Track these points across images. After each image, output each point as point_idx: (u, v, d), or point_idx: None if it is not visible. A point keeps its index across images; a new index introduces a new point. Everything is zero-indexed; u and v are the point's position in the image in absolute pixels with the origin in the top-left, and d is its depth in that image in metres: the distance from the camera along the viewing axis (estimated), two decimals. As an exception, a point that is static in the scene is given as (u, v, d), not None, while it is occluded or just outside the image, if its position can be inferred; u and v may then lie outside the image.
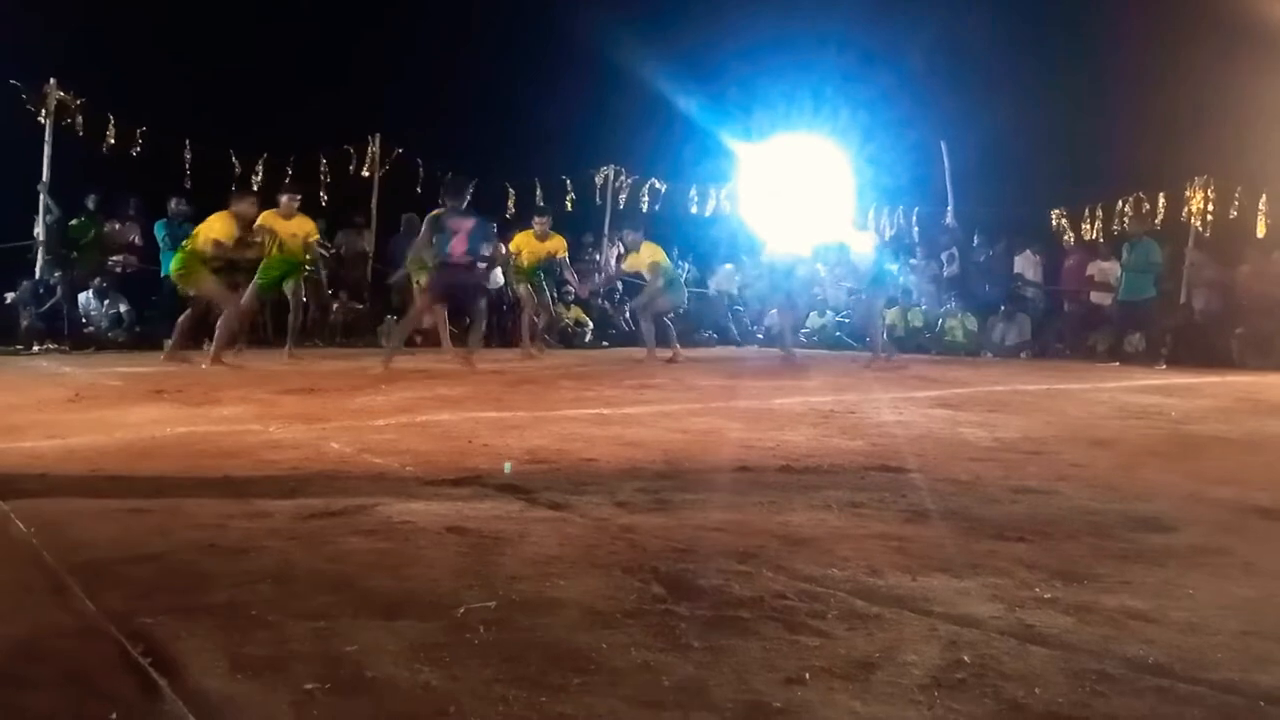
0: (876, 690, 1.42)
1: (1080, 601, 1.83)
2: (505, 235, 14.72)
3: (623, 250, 11.29)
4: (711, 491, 2.92)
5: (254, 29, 13.87)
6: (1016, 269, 13.84)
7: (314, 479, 3.06)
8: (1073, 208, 14.35)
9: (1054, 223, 14.55)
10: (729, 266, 16.73)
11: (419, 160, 13.97)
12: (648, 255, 9.96)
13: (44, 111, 11.46)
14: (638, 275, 10.41)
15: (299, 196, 9.28)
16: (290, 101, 13.71)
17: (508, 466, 3.19)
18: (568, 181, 15.64)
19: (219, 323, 8.22)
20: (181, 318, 8.50)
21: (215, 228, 8.29)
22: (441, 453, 3.62)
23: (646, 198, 16.51)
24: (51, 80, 11.53)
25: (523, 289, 10.83)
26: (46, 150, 11.51)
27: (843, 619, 1.73)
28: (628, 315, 13.35)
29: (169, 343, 8.49)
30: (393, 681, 1.44)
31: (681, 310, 11.08)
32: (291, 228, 8.96)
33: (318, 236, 9.55)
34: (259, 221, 8.78)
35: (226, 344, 8.30)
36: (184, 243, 8.61)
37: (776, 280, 10.87)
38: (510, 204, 15.53)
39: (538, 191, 15.55)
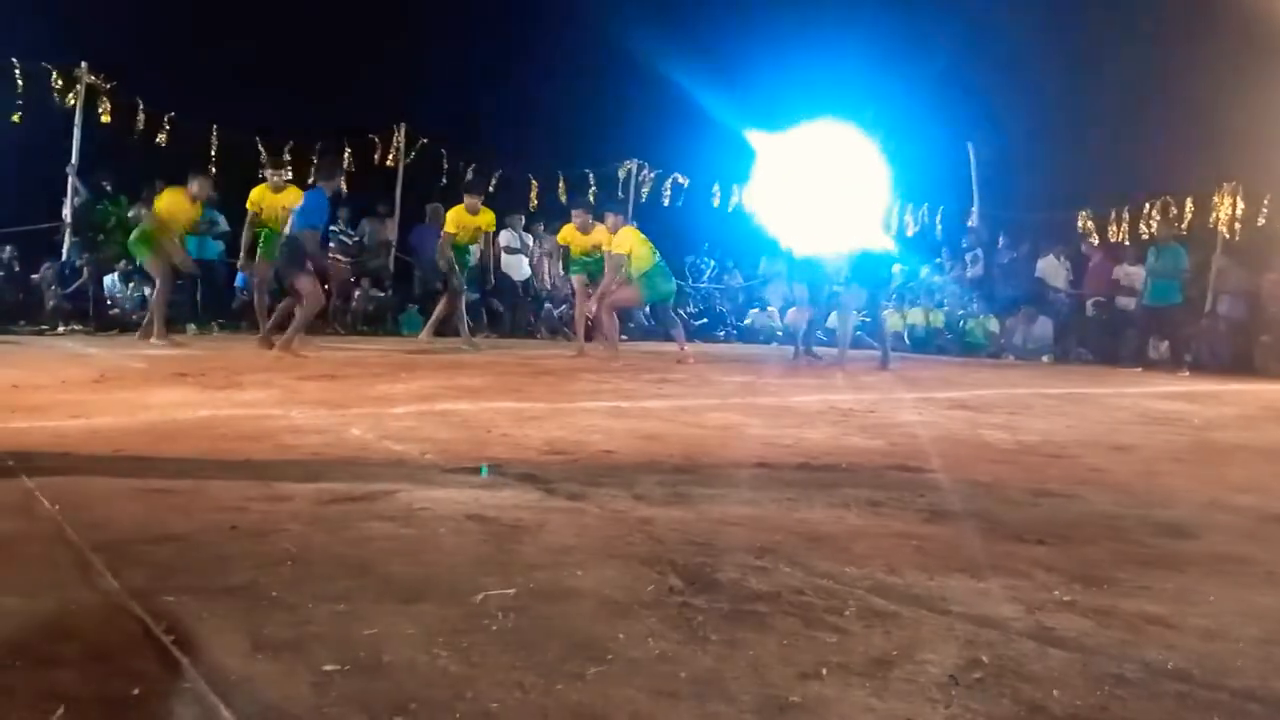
0: (893, 687, 1.41)
1: (1100, 605, 1.82)
2: (530, 226, 14.80)
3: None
4: (730, 487, 2.92)
5: (284, 17, 13.93)
6: (1039, 273, 13.76)
7: (335, 464, 3.08)
8: (1099, 211, 14.26)
9: (1080, 225, 14.45)
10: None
11: (443, 151, 14.02)
12: (626, 242, 9.44)
13: (74, 95, 11.55)
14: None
15: (287, 171, 9.59)
16: (318, 90, 13.78)
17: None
18: (590, 175, 15.66)
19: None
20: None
21: (171, 205, 8.91)
22: (461, 441, 3.64)
23: (669, 192, 16.49)
24: (83, 64, 11.63)
25: (576, 280, 10.82)
26: (76, 133, 11.61)
27: (860, 616, 1.72)
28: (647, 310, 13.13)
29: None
30: (411, 665, 1.45)
31: (656, 306, 10.63)
32: (282, 200, 8.98)
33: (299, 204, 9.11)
34: (252, 196, 9.07)
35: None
36: (144, 224, 9.21)
37: (796, 278, 10.72)
38: (533, 196, 15.57)
39: (560, 185, 15.57)
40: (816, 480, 3.08)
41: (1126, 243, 13.56)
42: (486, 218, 10.37)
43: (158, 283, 9.21)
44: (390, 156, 13.77)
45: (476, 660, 1.48)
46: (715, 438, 3.99)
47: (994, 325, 13.46)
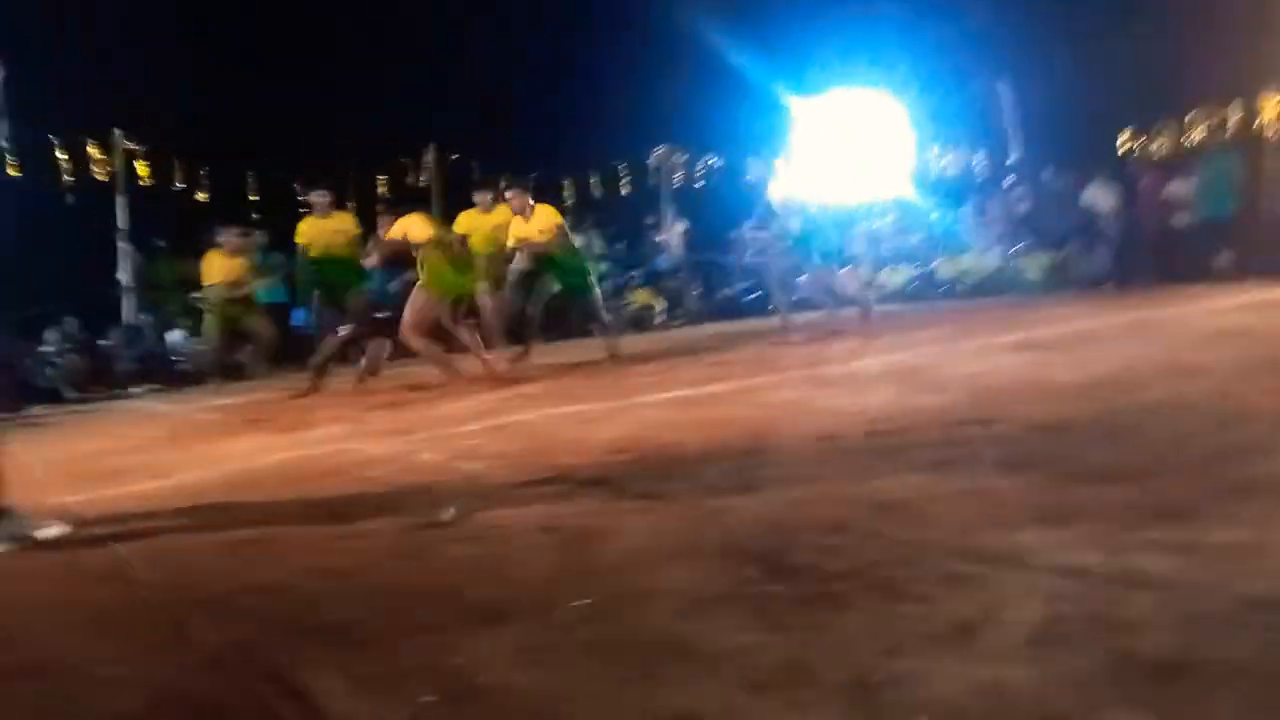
0: (980, 652, 1.41)
1: (1183, 540, 1.79)
2: (578, 227, 14.84)
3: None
4: (798, 465, 2.92)
5: (300, 59, 14.15)
6: (1087, 201, 13.43)
7: (409, 492, 3.14)
8: (1142, 127, 13.89)
9: (1123, 145, 14.09)
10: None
11: (473, 164, 14.13)
12: (540, 221, 7.85)
13: (112, 161, 11.87)
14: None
15: (327, 193, 8.44)
16: (345, 121, 13.98)
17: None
18: (623, 166, 15.68)
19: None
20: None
21: (212, 269, 8.66)
22: (527, 453, 3.68)
23: (702, 173, 16.45)
24: (116, 130, 11.94)
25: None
26: (119, 199, 11.92)
27: (941, 582, 1.72)
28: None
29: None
30: (503, 687, 1.49)
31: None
32: (331, 225, 8.22)
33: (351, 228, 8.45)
34: (300, 229, 8.17)
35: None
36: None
37: (809, 238, 9.05)
38: (568, 195, 15.62)
39: (592, 180, 15.60)
40: (884, 446, 3.06)
41: (1174, 157, 13.19)
42: (503, 215, 8.53)
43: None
44: (422, 176, 13.92)
45: (565, 674, 1.51)
46: (779, 416, 3.99)
47: (1048, 260, 13.19)
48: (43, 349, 11.56)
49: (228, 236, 8.90)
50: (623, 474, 3.02)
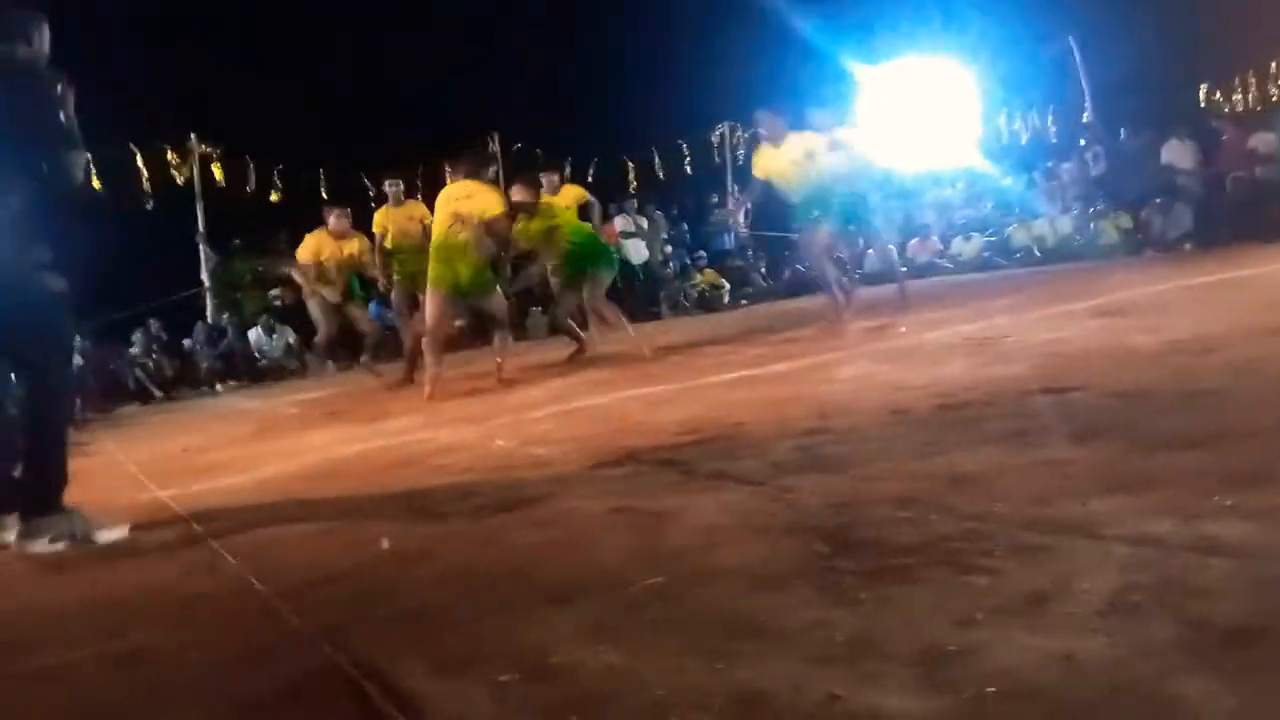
0: (1052, 623, 1.40)
1: (1260, 506, 1.75)
2: (643, 209, 14.87)
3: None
4: (866, 441, 2.91)
5: (367, 54, 14.38)
6: (1164, 159, 13.01)
7: (484, 478, 3.21)
8: (1222, 79, 13.41)
9: (1203, 99, 13.63)
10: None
11: (538, 151, 14.24)
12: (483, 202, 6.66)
13: (189, 166, 12.23)
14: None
15: (399, 182, 8.29)
16: (409, 116, 14.18)
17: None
18: (684, 145, 15.65)
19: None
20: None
21: (318, 250, 8.10)
22: (598, 435, 3.73)
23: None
24: (192, 136, 12.29)
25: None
26: (198, 202, 12.28)
27: (1012, 554, 1.71)
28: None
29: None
30: (578, 665, 1.52)
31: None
32: (407, 213, 8.07)
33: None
34: (376, 219, 8.08)
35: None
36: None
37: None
38: (631, 177, 15.65)
39: (656, 160, 15.60)
40: (955, 419, 3.03)
41: (1258, 109, 12.71)
42: (568, 197, 8.18)
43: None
44: (493, 170, 14.06)
45: (638, 651, 1.54)
46: (847, 391, 3.97)
47: (1126, 221, 12.82)
48: (130, 351, 11.99)
49: (336, 218, 8.18)
50: (692, 454, 3.04)
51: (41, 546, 2.91)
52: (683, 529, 2.21)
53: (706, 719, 1.28)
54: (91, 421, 9.44)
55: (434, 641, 1.73)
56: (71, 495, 3.07)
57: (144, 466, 4.99)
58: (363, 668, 1.65)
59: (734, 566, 1.87)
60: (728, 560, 1.92)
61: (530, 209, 7.09)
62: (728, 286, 14.82)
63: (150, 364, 11.80)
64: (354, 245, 8.16)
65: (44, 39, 2.96)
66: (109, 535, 3.00)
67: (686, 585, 1.81)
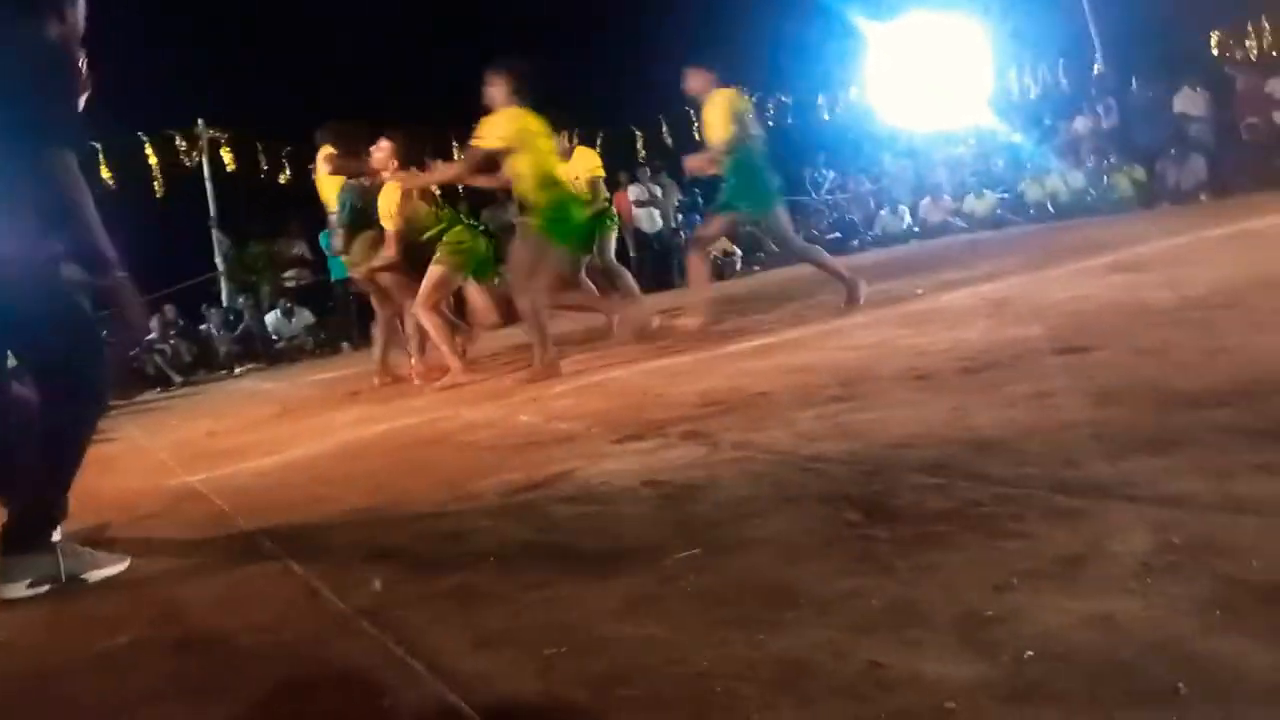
0: (1087, 585, 1.43)
1: (1292, 462, 1.77)
2: (656, 176, 14.81)
3: None
4: (891, 407, 2.92)
5: (373, 30, 14.29)
6: (1178, 108, 12.88)
7: (511, 454, 3.24)
8: (1235, 26, 13.23)
9: (1215, 47, 13.45)
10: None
11: (549, 116, 14.15)
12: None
13: (198, 151, 12.24)
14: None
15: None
16: (417, 91, 14.11)
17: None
18: (691, 112, 15.52)
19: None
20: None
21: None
22: (621, 409, 3.75)
23: (773, 112, 16.24)
24: (199, 121, 12.28)
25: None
26: (209, 187, 12.30)
27: (1044, 518, 1.73)
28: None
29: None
30: (621, 637, 1.56)
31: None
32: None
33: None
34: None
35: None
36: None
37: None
38: (639, 146, 15.57)
39: (664, 128, 15.50)
40: (979, 383, 3.04)
41: (1274, 54, 12.54)
42: (584, 163, 7.34)
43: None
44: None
45: (678, 623, 1.57)
46: (867, 357, 3.98)
47: (1140, 174, 12.72)
48: (148, 337, 12.06)
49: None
50: (717, 426, 3.06)
51: (18, 592, 2.44)
52: (713, 500, 2.23)
53: (751, 689, 1.31)
54: (113, 410, 9.53)
55: (476, 618, 1.76)
56: (98, 484, 3.05)
57: (170, 452, 5.05)
58: (408, 646, 1.69)
59: (768, 536, 1.90)
60: (761, 531, 1.95)
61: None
62: (739, 253, 14.78)
63: (168, 349, 11.88)
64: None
65: (79, 12, 2.64)
66: (103, 573, 2.55)
67: (722, 556, 1.84)
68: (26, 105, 2.39)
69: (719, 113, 6.27)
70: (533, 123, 5.30)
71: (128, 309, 2.54)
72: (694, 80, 6.52)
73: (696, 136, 15.67)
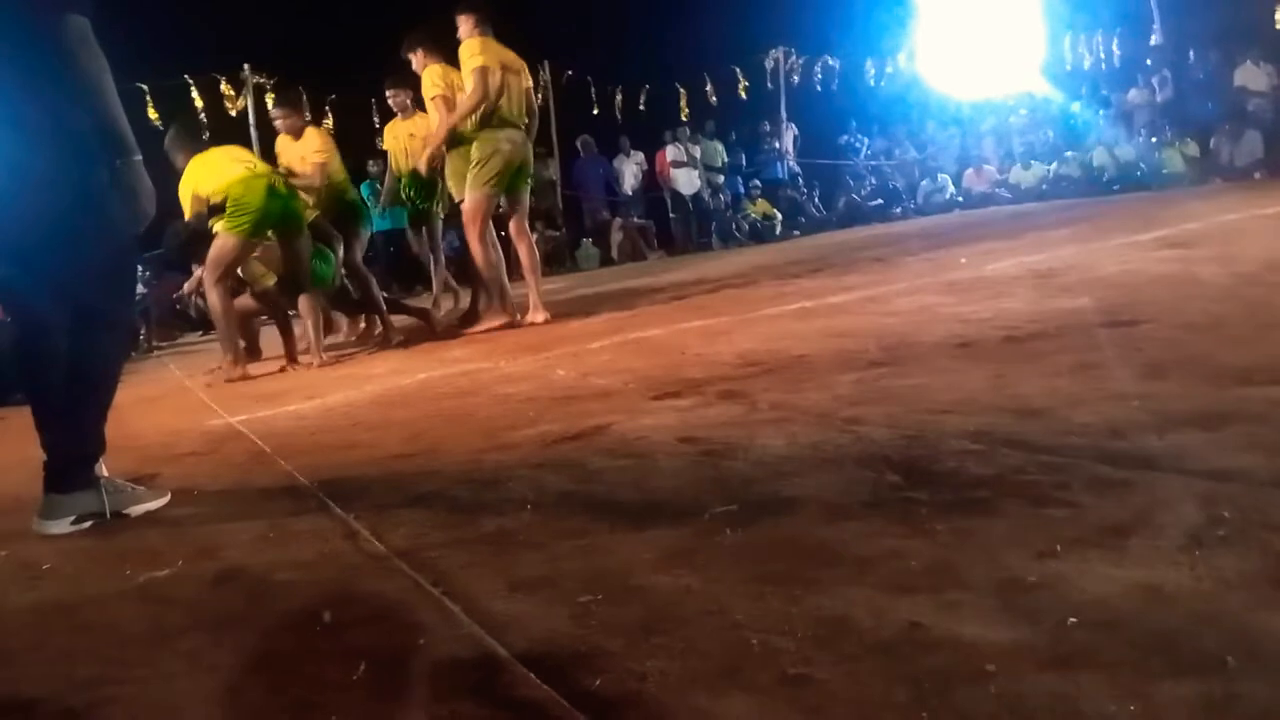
0: (1133, 555, 1.41)
1: (1349, 440, 1.73)
2: (694, 137, 14.67)
3: None
4: (932, 374, 2.89)
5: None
6: (1238, 83, 12.54)
7: (549, 406, 3.25)
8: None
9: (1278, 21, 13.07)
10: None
11: (589, 79, 14.06)
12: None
13: (244, 97, 12.26)
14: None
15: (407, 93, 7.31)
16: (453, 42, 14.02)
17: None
18: (738, 71, 15.36)
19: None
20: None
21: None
22: (658, 366, 3.75)
23: (820, 75, 16.00)
24: (245, 66, 12.29)
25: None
26: (253, 134, 12.34)
27: (1089, 488, 1.71)
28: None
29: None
30: (656, 588, 1.56)
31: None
32: (409, 128, 7.41)
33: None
34: (385, 137, 7.64)
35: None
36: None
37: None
38: (683, 104, 15.42)
39: (708, 87, 15.34)
40: (1023, 352, 3.00)
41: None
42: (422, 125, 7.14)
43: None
44: (539, 97, 13.93)
45: (715, 576, 1.57)
46: (909, 323, 3.94)
47: (1193, 149, 12.43)
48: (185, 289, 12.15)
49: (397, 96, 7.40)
50: (755, 386, 3.05)
51: (63, 528, 2.47)
52: (751, 459, 2.22)
53: (787, 643, 1.30)
54: (155, 351, 9.67)
55: (513, 563, 1.77)
56: (141, 423, 3.09)
57: (211, 393, 5.11)
58: (444, 587, 1.70)
59: (806, 496, 1.89)
60: (799, 490, 1.94)
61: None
62: (780, 217, 14.67)
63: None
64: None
65: None
66: (144, 507, 2.59)
67: (760, 513, 1.83)
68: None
69: None
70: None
71: (140, 194, 2.47)
72: None
73: (743, 96, 15.55)
